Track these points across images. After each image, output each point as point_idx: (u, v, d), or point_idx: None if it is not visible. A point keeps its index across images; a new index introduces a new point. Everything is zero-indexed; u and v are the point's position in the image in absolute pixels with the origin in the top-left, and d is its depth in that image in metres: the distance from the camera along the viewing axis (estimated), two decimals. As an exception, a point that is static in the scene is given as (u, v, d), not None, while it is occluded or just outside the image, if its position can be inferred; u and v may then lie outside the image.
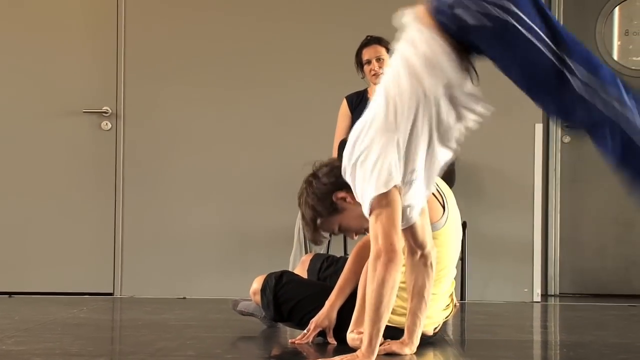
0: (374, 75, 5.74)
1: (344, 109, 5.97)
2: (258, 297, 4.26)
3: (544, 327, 5.50)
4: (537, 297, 6.41)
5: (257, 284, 4.28)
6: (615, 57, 6.96)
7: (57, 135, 6.53)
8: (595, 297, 6.78)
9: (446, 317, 4.04)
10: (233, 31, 6.53)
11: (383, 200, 3.14)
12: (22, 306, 5.71)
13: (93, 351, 3.81)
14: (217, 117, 6.55)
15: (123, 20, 6.53)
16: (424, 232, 3.48)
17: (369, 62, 5.82)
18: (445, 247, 3.89)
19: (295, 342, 3.90)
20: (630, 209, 6.84)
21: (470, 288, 6.33)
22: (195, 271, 6.47)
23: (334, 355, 3.34)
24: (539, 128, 6.41)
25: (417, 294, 3.55)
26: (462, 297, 6.21)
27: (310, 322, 3.92)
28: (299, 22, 6.57)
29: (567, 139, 6.82)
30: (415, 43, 3.13)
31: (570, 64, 2.92)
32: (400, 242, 3.16)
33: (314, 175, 3.69)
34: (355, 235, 3.73)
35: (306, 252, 5.52)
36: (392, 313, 3.79)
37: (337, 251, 5.70)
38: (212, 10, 6.58)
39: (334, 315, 3.89)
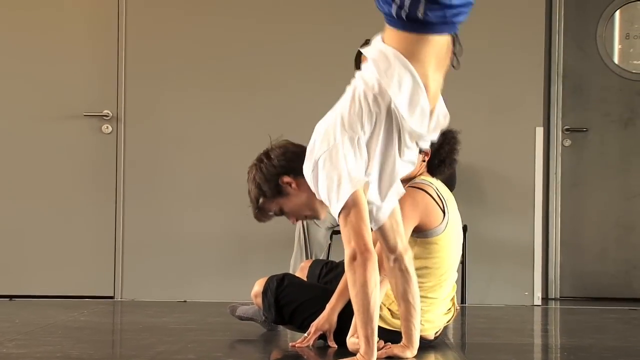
0: (374, 77, 5.73)
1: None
2: (259, 300, 4.25)
3: (545, 330, 5.50)
4: (537, 301, 6.40)
5: (258, 286, 4.28)
6: (616, 60, 6.95)
7: (57, 139, 6.53)
8: (596, 300, 6.77)
9: (447, 322, 4.04)
10: (233, 34, 6.53)
11: (349, 201, 3.15)
12: (23, 309, 5.71)
13: (94, 354, 3.81)
14: (217, 121, 6.54)
15: (124, 24, 6.53)
16: (395, 233, 3.46)
17: (368, 65, 5.81)
18: (445, 251, 3.89)
19: (296, 345, 3.90)
20: (631, 213, 6.89)
21: (471, 291, 6.33)
22: (196, 274, 6.46)
23: (334, 359, 3.33)
24: (539, 132, 6.40)
25: (403, 300, 3.54)
26: (463, 300, 6.20)
27: (311, 325, 3.92)
28: (298, 25, 6.56)
29: (567, 143, 6.80)
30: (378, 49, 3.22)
31: None
32: (371, 240, 3.16)
33: (267, 154, 3.71)
34: (296, 221, 3.75)
35: (307, 256, 5.51)
36: (392, 317, 3.81)
37: (337, 256, 5.69)
38: (212, 14, 6.58)
39: (335, 318, 3.89)
